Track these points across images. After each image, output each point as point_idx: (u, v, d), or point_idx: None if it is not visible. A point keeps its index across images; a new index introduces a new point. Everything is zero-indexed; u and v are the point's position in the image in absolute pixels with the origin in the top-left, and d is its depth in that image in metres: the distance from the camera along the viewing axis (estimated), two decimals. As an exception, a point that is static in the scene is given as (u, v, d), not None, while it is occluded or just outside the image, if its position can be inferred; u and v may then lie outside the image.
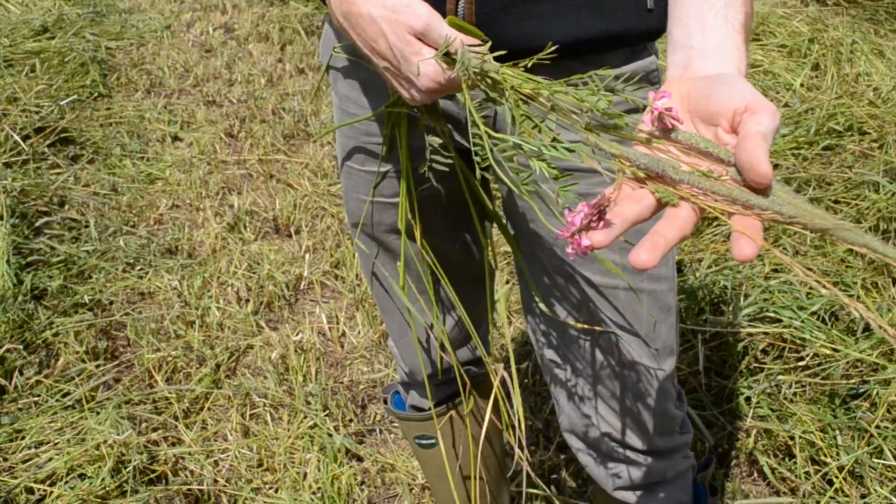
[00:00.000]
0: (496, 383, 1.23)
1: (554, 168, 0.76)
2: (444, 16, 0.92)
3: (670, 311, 1.17)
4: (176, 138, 3.60)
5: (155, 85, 4.09)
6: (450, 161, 1.07)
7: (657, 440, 1.23)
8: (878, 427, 1.86)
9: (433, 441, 1.48)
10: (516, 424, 1.17)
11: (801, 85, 3.25)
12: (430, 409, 1.46)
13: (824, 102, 3.02)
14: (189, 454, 2.02)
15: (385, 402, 1.58)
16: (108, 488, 1.88)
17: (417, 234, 1.22)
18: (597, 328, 1.14)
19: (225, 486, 1.97)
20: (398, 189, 1.20)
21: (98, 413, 2.09)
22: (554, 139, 0.76)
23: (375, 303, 1.41)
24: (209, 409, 2.18)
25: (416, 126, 1.09)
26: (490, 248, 1.31)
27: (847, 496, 1.79)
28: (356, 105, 1.18)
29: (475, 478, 1.48)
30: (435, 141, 1.06)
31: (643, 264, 0.67)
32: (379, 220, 1.25)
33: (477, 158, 0.86)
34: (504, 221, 1.21)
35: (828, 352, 2.04)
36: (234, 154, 3.44)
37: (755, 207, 0.67)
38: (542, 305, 1.19)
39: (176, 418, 2.13)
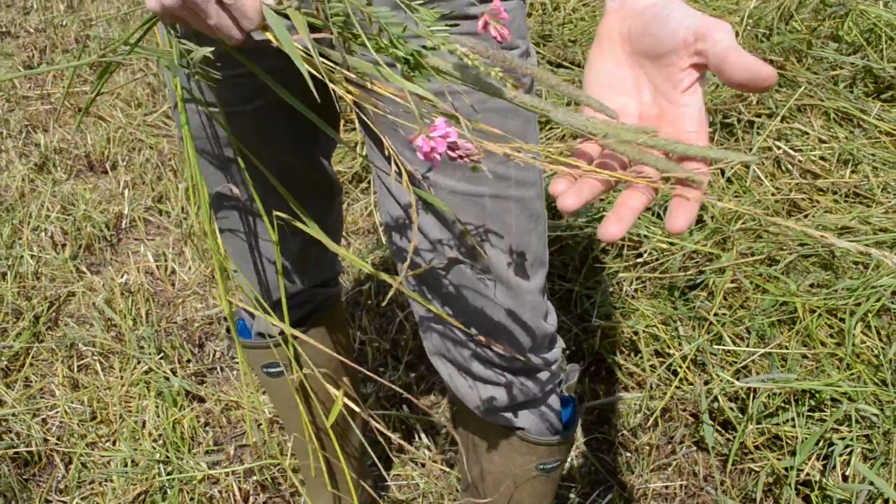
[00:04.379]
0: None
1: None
2: None
3: (539, 219, 1.09)
4: (-33, 75, 3.27)
5: (-62, 18, 3.70)
6: (217, 77, 0.92)
7: (529, 358, 1.15)
8: (716, 314, 1.90)
9: (281, 369, 1.39)
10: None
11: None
12: (277, 336, 1.36)
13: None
14: (13, 415, 1.86)
15: (227, 330, 1.46)
16: (-80, 462, 1.71)
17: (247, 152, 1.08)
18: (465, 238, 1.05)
19: (57, 444, 1.83)
20: (236, 96, 1.06)
21: None
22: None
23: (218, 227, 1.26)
24: (31, 364, 2.01)
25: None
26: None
27: (692, 384, 1.83)
28: None
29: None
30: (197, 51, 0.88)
31: (613, 237, 0.63)
32: (213, 131, 1.11)
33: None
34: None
35: (664, 246, 2.07)
36: (35, 88, 3.16)
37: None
38: (395, 212, 1.09)
39: (-7, 378, 1.95)
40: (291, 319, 1.34)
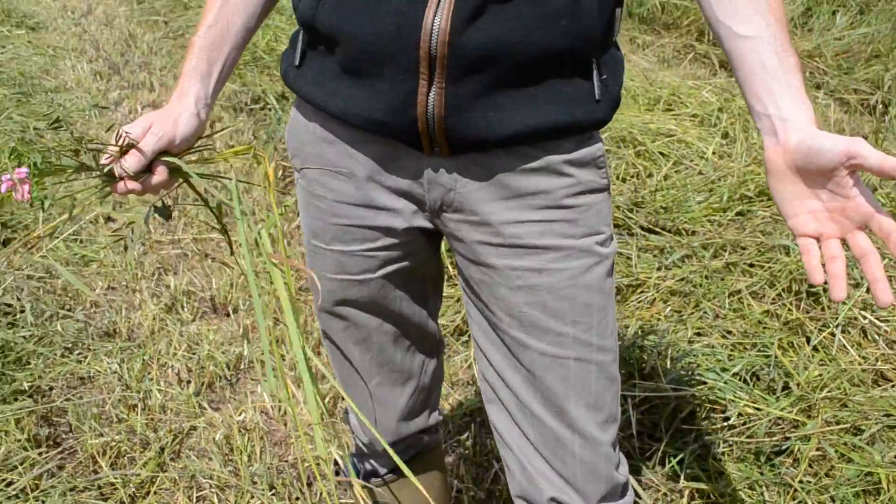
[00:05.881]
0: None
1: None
2: (415, 107, 1.06)
3: (614, 381, 1.26)
4: (108, 219, 3.61)
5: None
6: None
7: None
8: (800, 482, 1.98)
9: None
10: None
11: (713, 153, 3.43)
12: (384, 475, 1.53)
13: (735, 170, 3.20)
14: (137, 540, 2.03)
15: (337, 473, 1.64)
16: (57, 580, 1.88)
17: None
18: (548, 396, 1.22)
19: (175, 570, 1.98)
20: (366, 266, 1.29)
21: (43, 502, 2.08)
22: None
23: (336, 374, 1.49)
24: (155, 493, 2.19)
25: None
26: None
27: (776, 549, 1.90)
28: (324, 188, 1.28)
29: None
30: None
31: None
32: (343, 296, 1.34)
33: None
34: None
35: (751, 411, 2.16)
36: (167, 234, 3.47)
37: None
38: (490, 377, 1.28)
39: (122, 504, 2.14)
40: (395, 463, 1.51)
